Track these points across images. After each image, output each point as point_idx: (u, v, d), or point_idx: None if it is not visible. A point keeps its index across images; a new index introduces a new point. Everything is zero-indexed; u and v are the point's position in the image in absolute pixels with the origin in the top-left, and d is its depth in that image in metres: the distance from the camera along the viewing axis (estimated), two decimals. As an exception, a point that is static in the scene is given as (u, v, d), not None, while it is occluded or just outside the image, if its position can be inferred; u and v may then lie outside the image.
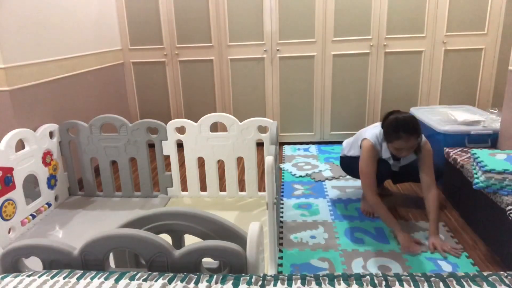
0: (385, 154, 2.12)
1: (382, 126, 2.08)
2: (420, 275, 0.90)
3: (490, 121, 2.51)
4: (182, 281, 0.93)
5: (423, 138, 2.07)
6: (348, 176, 2.86)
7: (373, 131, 2.14)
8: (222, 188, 2.65)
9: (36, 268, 1.11)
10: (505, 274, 0.89)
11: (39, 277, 0.98)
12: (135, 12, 3.46)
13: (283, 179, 2.88)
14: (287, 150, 3.54)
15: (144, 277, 0.96)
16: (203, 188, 2.64)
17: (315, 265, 1.85)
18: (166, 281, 0.94)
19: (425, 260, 1.85)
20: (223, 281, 0.92)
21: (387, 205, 2.40)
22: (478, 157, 1.98)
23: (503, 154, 2.00)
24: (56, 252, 1.08)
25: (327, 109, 3.55)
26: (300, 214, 2.34)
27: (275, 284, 0.90)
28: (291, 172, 3.00)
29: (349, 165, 2.40)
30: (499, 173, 1.81)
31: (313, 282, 0.90)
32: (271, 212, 1.66)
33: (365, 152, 2.10)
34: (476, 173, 1.96)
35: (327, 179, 2.84)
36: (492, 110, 2.78)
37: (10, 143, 2.11)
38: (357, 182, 2.75)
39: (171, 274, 0.97)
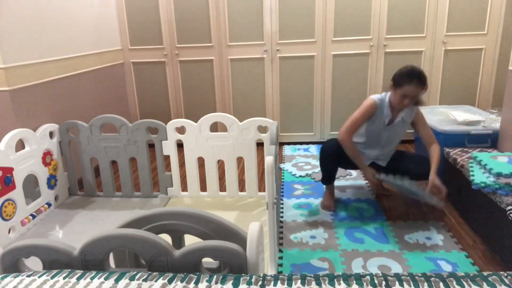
0: (386, 111, 2.23)
1: (394, 76, 2.19)
2: (420, 275, 0.90)
3: (490, 121, 2.51)
4: (182, 281, 0.93)
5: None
6: (348, 176, 2.86)
7: (377, 94, 2.29)
8: (222, 188, 2.65)
9: (36, 268, 1.11)
10: (505, 274, 0.89)
11: (39, 277, 0.98)
12: (135, 12, 3.46)
13: (283, 179, 2.88)
14: (287, 150, 3.54)
15: (144, 277, 0.96)
16: (203, 188, 2.64)
17: (315, 265, 1.85)
18: (166, 281, 0.94)
19: (425, 260, 1.85)
20: (223, 281, 0.92)
21: (388, 204, 2.42)
22: (482, 160, 2.00)
23: (504, 157, 2.01)
24: (56, 252, 1.08)
25: (327, 109, 3.55)
26: (300, 214, 2.34)
27: (275, 284, 0.90)
28: (291, 172, 3.00)
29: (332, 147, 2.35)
30: (506, 176, 1.83)
31: (313, 282, 0.90)
32: (271, 212, 1.66)
33: (364, 105, 2.23)
34: (472, 174, 1.97)
35: (327, 179, 2.84)
36: (492, 110, 2.78)
37: (10, 143, 2.11)
38: (357, 182, 2.76)
39: (171, 274, 0.97)
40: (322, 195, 2.55)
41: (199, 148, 2.51)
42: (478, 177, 1.93)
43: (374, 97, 2.24)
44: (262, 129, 2.46)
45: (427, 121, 2.30)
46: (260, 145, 2.55)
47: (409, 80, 2.08)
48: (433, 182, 2.14)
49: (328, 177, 2.42)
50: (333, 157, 2.33)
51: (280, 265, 1.86)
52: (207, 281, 0.93)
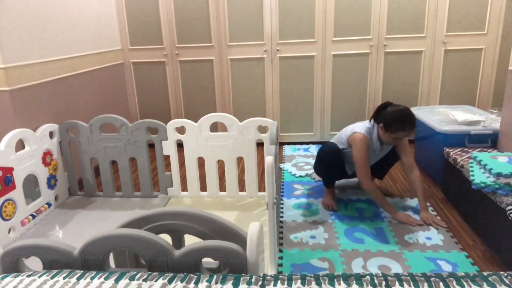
0: (376, 144, 2.28)
1: (381, 117, 2.20)
2: (420, 275, 0.90)
3: (490, 121, 2.51)
4: (182, 281, 0.93)
5: None
6: (348, 176, 2.86)
7: (362, 125, 2.29)
8: (222, 188, 2.65)
9: (36, 268, 1.11)
10: (505, 274, 0.89)
11: (39, 277, 0.98)
12: (135, 12, 3.46)
13: (283, 179, 2.88)
14: (287, 150, 3.54)
15: (144, 277, 0.96)
16: (203, 188, 2.64)
17: (315, 265, 1.85)
18: (166, 281, 0.94)
19: (425, 260, 1.85)
20: (223, 281, 0.92)
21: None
22: (481, 160, 2.00)
23: (504, 157, 2.01)
24: (56, 252, 1.08)
25: (327, 109, 3.55)
26: (300, 214, 2.34)
27: (275, 284, 0.90)
28: (291, 172, 3.00)
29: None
30: (506, 176, 1.83)
31: (313, 282, 0.90)
32: (271, 212, 1.66)
33: (359, 143, 2.22)
34: (472, 174, 1.97)
35: (327, 179, 2.83)
36: (492, 110, 2.78)
37: (10, 143, 2.11)
38: (357, 181, 2.75)
39: (171, 274, 0.97)
40: (322, 195, 2.54)
41: (199, 148, 2.51)
42: (478, 177, 1.93)
43: (361, 130, 2.24)
44: (262, 129, 2.46)
45: (409, 146, 2.32)
46: (260, 145, 2.55)
47: (402, 128, 2.13)
48: (426, 221, 2.17)
49: (330, 181, 2.44)
50: (333, 161, 2.36)
51: (280, 265, 1.86)
52: (207, 281, 0.93)
